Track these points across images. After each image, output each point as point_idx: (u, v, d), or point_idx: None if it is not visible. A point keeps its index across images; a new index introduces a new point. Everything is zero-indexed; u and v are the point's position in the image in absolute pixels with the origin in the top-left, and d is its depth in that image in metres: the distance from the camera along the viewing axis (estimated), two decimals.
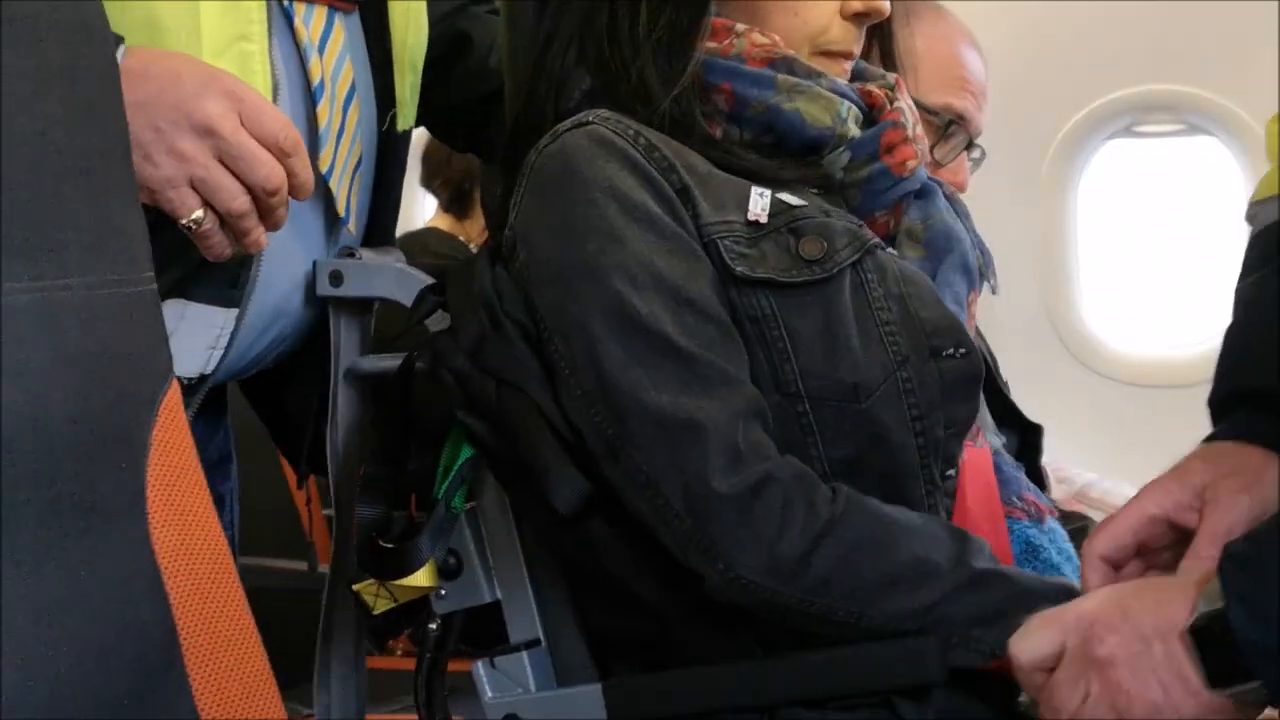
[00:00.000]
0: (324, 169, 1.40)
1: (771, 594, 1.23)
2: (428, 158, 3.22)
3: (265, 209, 1.29)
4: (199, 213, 1.26)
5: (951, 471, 1.33)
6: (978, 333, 1.43)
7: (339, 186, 1.43)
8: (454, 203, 3.25)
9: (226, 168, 1.25)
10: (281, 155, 1.27)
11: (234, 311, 1.38)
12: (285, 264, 1.41)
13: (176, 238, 1.27)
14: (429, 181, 3.32)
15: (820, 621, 1.24)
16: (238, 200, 1.26)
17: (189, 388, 1.39)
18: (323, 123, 1.39)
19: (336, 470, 1.42)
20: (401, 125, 1.53)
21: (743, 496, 1.23)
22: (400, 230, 1.67)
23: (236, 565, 1.54)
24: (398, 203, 1.58)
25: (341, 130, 1.43)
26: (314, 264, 1.41)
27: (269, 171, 1.26)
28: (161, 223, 1.24)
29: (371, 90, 1.49)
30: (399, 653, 2.69)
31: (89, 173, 1.00)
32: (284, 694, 1.10)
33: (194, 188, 1.25)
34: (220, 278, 1.36)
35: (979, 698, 1.25)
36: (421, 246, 2.96)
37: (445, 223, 3.27)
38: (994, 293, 1.48)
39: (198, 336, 1.37)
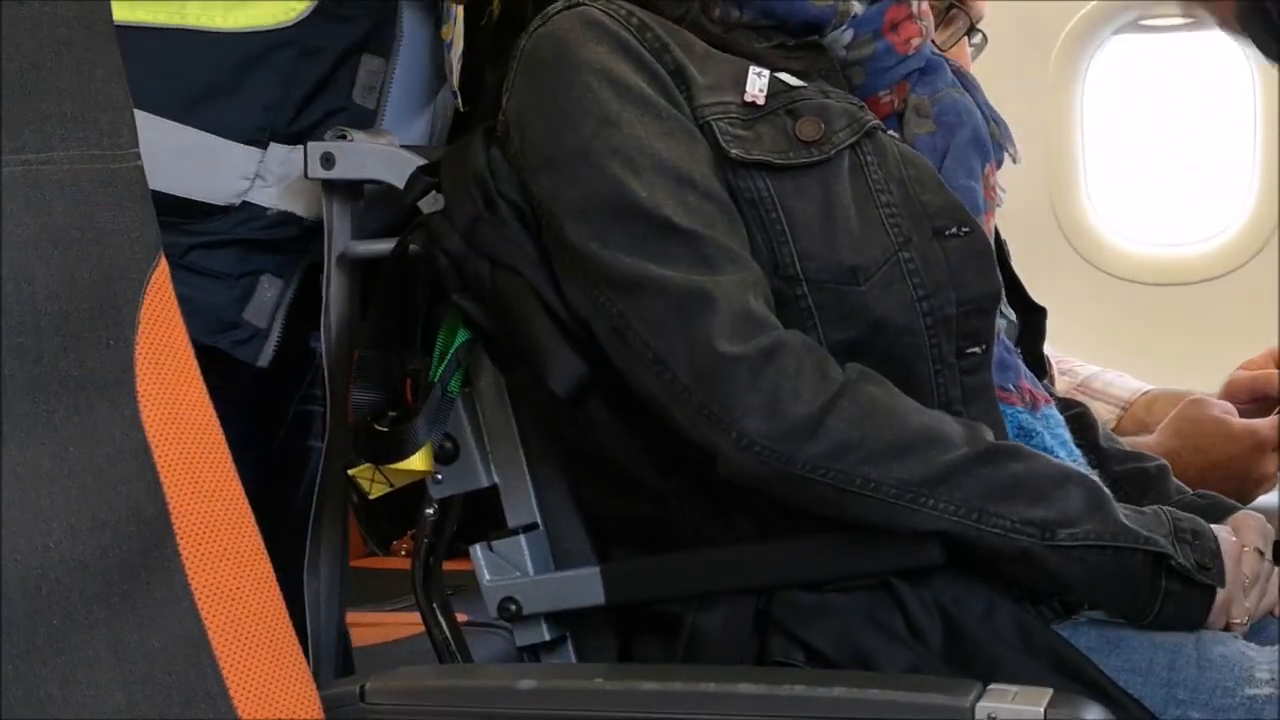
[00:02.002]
0: (445, 39, 1.48)
1: (786, 461, 1.21)
2: None
3: None
4: None
5: (974, 349, 1.31)
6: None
7: (454, 60, 1.51)
8: None
9: None
10: None
11: None
12: (401, 118, 1.48)
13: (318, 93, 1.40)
14: None
15: (832, 492, 1.21)
16: None
17: (307, 229, 1.44)
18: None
19: (330, 357, 1.41)
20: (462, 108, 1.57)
21: (755, 359, 1.21)
22: None
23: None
24: None
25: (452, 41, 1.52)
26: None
27: None
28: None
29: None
30: (403, 552, 2.69)
31: (69, 44, 0.98)
32: None
33: None
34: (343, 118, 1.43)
35: (978, 581, 1.25)
36: None
37: None
38: (1015, 162, 1.46)
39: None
